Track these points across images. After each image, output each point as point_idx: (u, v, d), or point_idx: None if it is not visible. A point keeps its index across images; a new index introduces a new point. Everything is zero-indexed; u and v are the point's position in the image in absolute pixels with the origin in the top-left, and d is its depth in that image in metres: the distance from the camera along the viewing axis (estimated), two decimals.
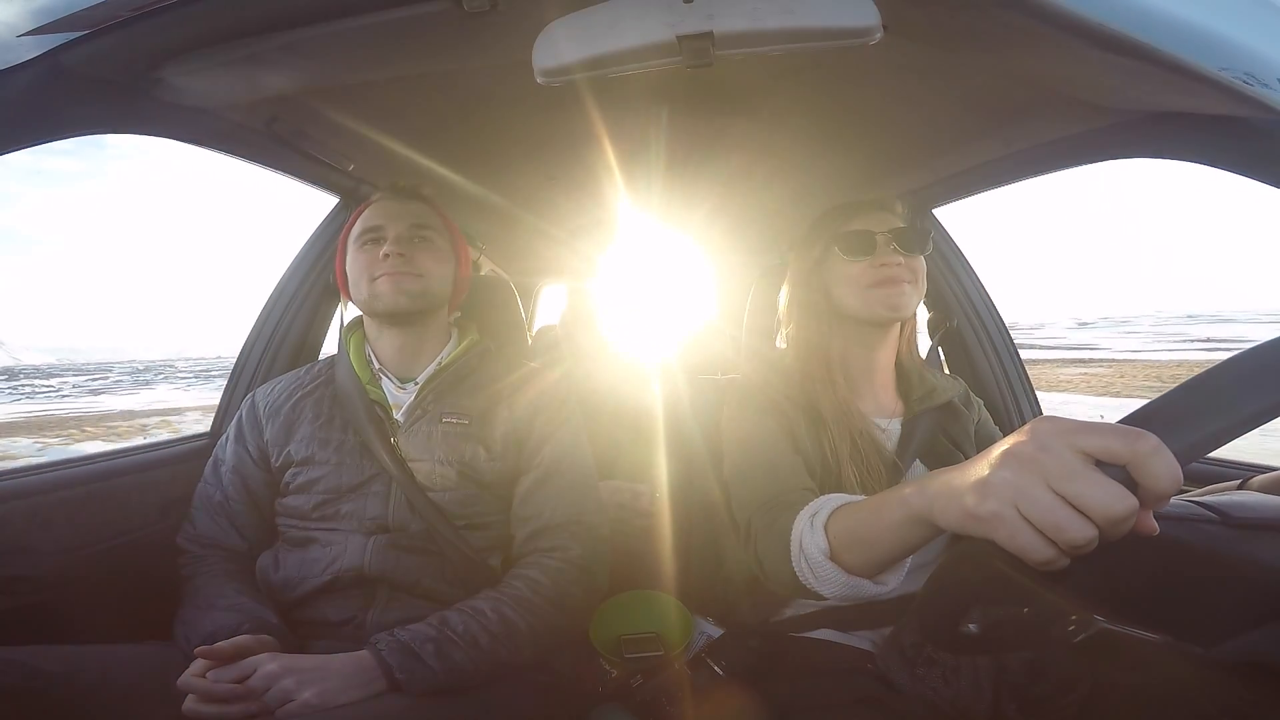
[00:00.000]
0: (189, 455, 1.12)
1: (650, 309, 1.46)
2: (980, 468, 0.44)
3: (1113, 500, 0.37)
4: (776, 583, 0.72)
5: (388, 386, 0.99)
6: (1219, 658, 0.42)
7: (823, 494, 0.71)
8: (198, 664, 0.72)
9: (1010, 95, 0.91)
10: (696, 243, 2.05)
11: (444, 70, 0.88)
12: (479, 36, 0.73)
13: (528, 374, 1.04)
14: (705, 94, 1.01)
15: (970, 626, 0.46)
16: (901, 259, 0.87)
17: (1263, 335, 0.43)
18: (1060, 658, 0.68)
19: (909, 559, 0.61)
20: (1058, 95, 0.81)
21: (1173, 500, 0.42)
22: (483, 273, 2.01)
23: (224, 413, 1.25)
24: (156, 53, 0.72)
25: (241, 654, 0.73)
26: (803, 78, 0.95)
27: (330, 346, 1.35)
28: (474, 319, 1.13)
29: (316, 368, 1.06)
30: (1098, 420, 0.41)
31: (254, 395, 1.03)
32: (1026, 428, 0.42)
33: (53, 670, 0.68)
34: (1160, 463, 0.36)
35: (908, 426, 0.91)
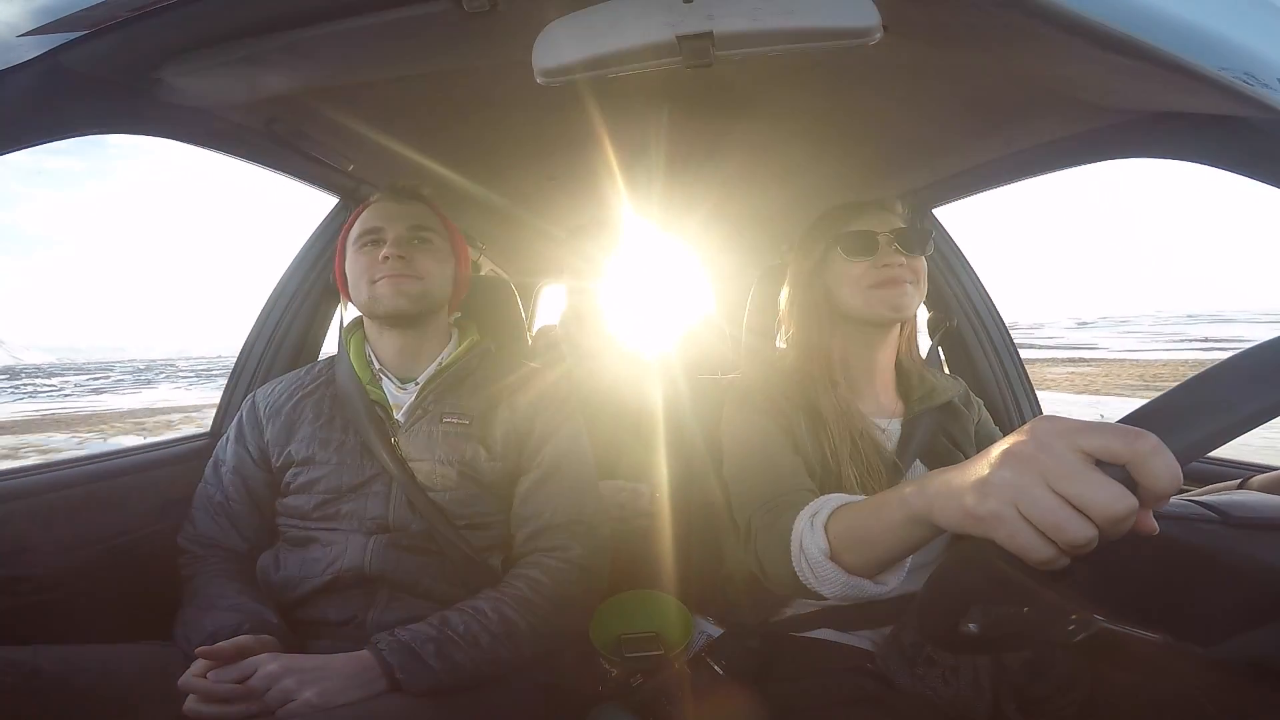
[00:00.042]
0: (189, 455, 1.12)
1: (651, 308, 1.46)
2: (980, 467, 0.44)
3: (1112, 500, 0.37)
4: (777, 583, 0.72)
5: (388, 387, 0.99)
6: (1219, 658, 0.42)
7: (823, 494, 0.71)
8: (198, 664, 0.72)
9: (1010, 95, 0.91)
10: (697, 243, 2.05)
11: (444, 70, 0.88)
12: (479, 36, 0.73)
13: (528, 374, 1.04)
14: (705, 94, 1.01)
15: (970, 626, 0.46)
16: (903, 259, 0.87)
17: (1262, 335, 0.43)
18: (1060, 658, 0.68)
19: (909, 559, 0.61)
20: (1058, 95, 0.81)
21: (1173, 500, 0.42)
22: (483, 273, 2.01)
23: (224, 413, 1.25)
24: (156, 53, 0.72)
25: (242, 654, 0.73)
26: (803, 78, 0.95)
27: (330, 347, 1.35)
28: (474, 319, 1.13)
29: (317, 368, 1.06)
30: (1098, 419, 0.41)
31: (254, 396, 1.03)
32: (1026, 427, 0.42)
33: (52, 670, 0.68)
34: (1160, 462, 0.36)
35: (908, 426, 0.91)
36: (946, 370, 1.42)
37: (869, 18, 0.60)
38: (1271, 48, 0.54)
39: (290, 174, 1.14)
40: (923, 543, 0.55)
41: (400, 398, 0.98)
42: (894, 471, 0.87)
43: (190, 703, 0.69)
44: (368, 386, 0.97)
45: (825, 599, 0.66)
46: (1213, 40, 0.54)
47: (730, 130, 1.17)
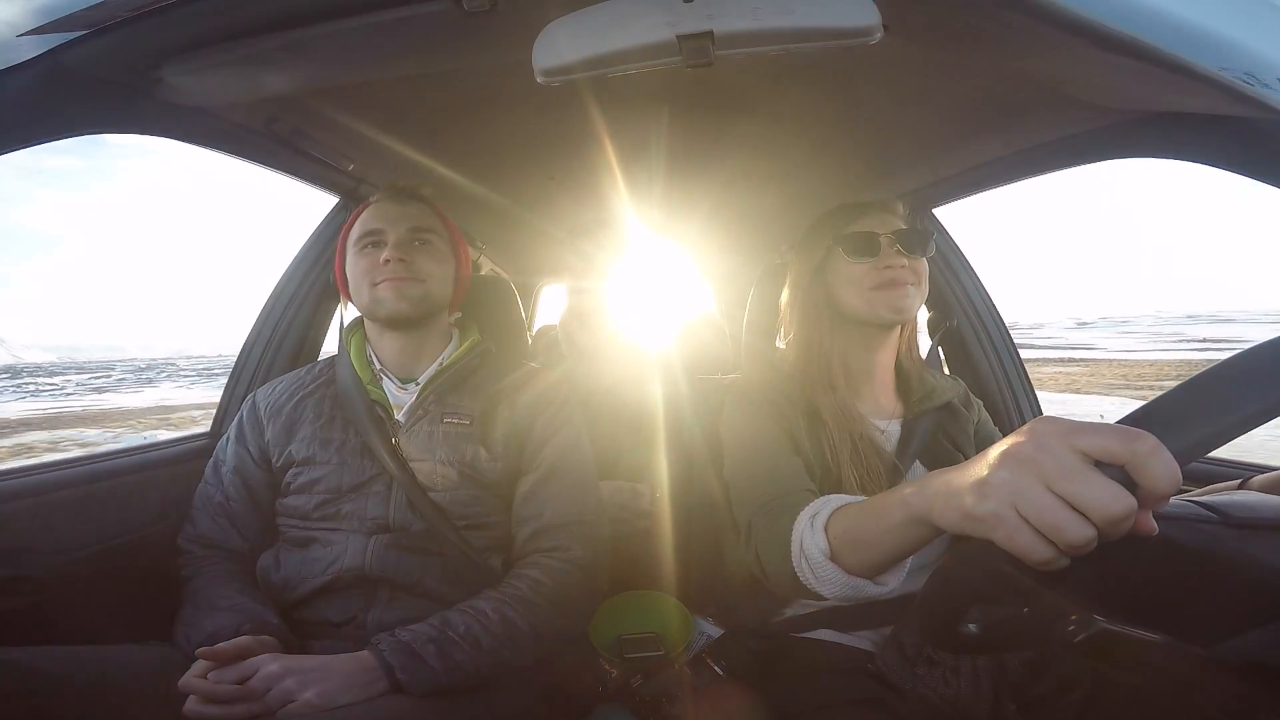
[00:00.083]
0: (189, 455, 1.12)
1: (651, 308, 1.46)
2: (979, 468, 0.44)
3: (1111, 500, 0.37)
4: (777, 583, 0.72)
5: (389, 387, 0.99)
6: (1219, 658, 0.42)
7: (823, 495, 0.71)
8: (199, 665, 0.72)
9: (1010, 95, 0.91)
10: (697, 242, 2.05)
11: (444, 70, 0.88)
12: (479, 36, 0.73)
13: (528, 374, 1.04)
14: (706, 94, 1.01)
15: (970, 626, 0.46)
16: (905, 261, 0.86)
17: (1262, 335, 0.43)
18: (1060, 658, 0.68)
19: (909, 559, 0.61)
20: (1058, 95, 0.80)
21: (1172, 500, 0.42)
22: (483, 273, 2.01)
23: (224, 413, 1.25)
24: (156, 53, 0.72)
25: (242, 655, 0.73)
26: (803, 78, 0.95)
27: (330, 347, 1.35)
28: (474, 319, 1.13)
29: (317, 368, 1.05)
30: (1097, 420, 0.41)
31: (254, 396, 1.03)
32: (1025, 428, 0.42)
33: (50, 671, 0.68)
34: (1159, 463, 0.36)
35: (907, 428, 0.91)
36: (946, 371, 1.42)
37: (869, 18, 0.60)
38: (1271, 48, 0.54)
39: (290, 173, 1.14)
40: (922, 543, 0.55)
41: (401, 398, 0.98)
42: (894, 473, 0.86)
43: (191, 703, 0.69)
44: (368, 386, 0.97)
45: (825, 599, 0.66)
46: (1213, 40, 0.54)
47: (730, 130, 1.17)
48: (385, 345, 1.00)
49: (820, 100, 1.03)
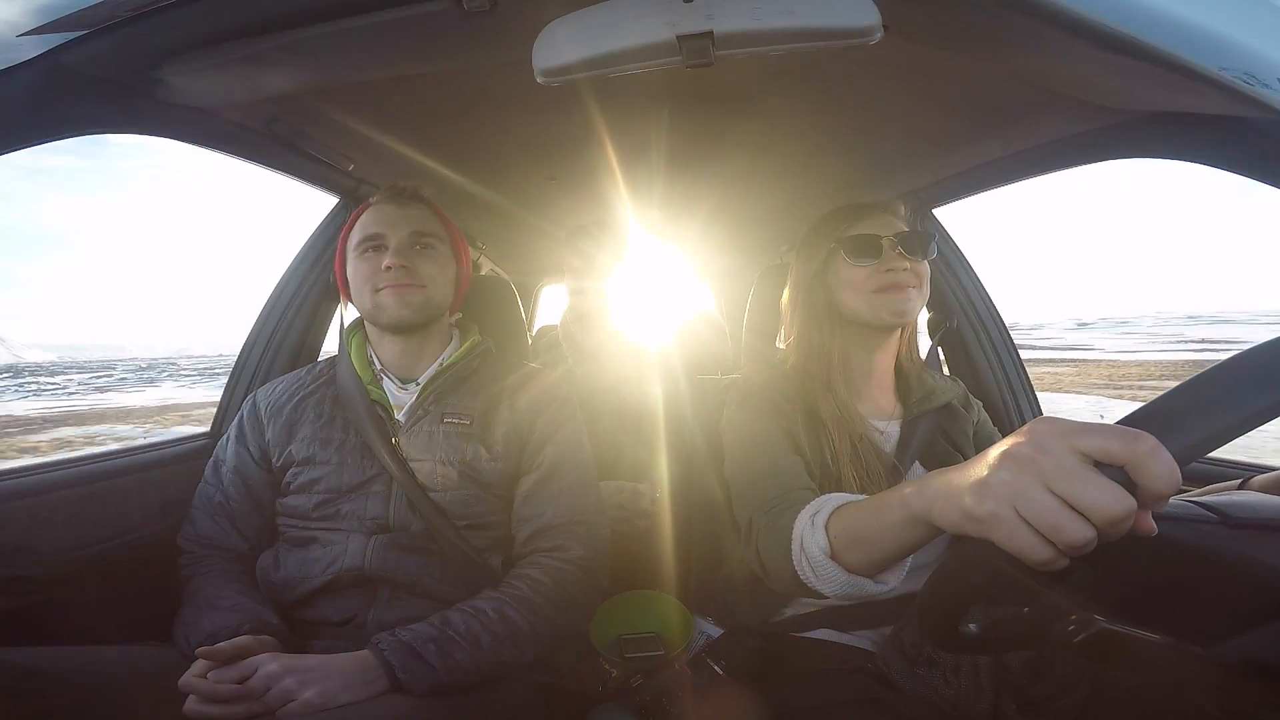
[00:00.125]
0: (189, 455, 1.12)
1: (651, 308, 1.46)
2: (979, 468, 0.44)
3: (1110, 501, 0.37)
4: (777, 581, 0.72)
5: (389, 387, 0.99)
6: (1219, 658, 0.42)
7: (823, 494, 0.71)
8: (198, 664, 0.72)
9: (1010, 95, 0.91)
10: (697, 242, 2.05)
11: (444, 70, 0.88)
12: (479, 36, 0.73)
13: (529, 374, 1.04)
14: (706, 94, 1.01)
15: (970, 626, 0.46)
16: (907, 264, 0.86)
17: (1262, 336, 0.43)
18: (1061, 658, 0.68)
19: (909, 558, 0.61)
20: (1058, 95, 0.80)
21: (1173, 500, 0.42)
22: (483, 273, 2.01)
23: (224, 413, 1.25)
24: (156, 53, 0.72)
25: (242, 654, 0.73)
26: (803, 78, 0.95)
27: (330, 347, 1.35)
28: (474, 319, 1.13)
29: (318, 368, 1.06)
30: (1097, 421, 0.41)
31: (255, 396, 1.03)
32: (1025, 429, 0.42)
33: (48, 671, 0.68)
34: (1158, 463, 0.36)
35: (906, 428, 0.91)
36: (946, 371, 1.42)
37: (869, 18, 0.60)
38: (1271, 48, 0.54)
39: (290, 174, 1.14)
40: (922, 543, 0.55)
41: (401, 398, 0.98)
42: (893, 473, 0.87)
43: (190, 703, 0.69)
44: (369, 387, 0.97)
45: (825, 598, 0.67)
46: (1213, 40, 0.54)
47: (730, 130, 1.17)
48: (386, 347, 1.00)
49: (820, 100, 1.03)
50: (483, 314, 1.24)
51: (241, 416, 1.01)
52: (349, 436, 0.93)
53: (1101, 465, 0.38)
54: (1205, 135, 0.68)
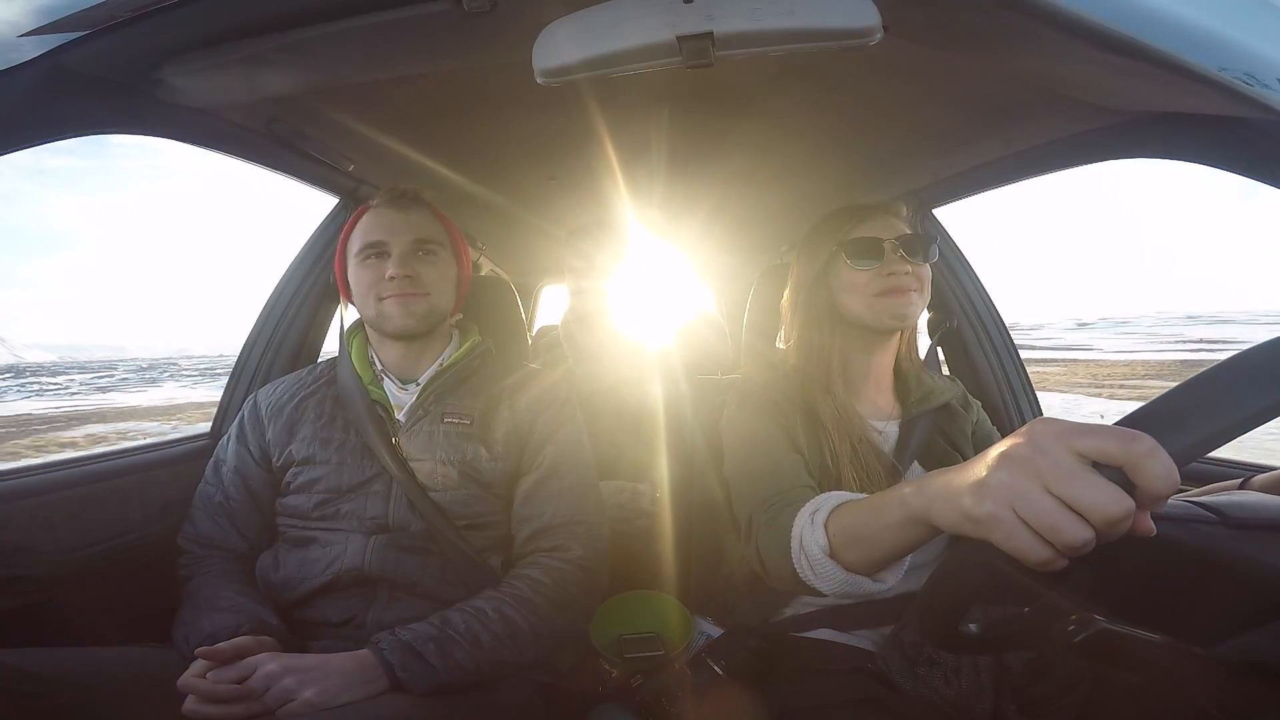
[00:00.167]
0: (189, 455, 1.12)
1: (651, 308, 1.46)
2: (978, 469, 0.44)
3: (1109, 502, 0.37)
4: (776, 579, 0.73)
5: (390, 387, 0.99)
6: (1219, 658, 0.42)
7: (823, 492, 0.72)
8: (198, 664, 0.72)
9: (1010, 95, 0.91)
10: (697, 242, 2.05)
11: (444, 70, 0.88)
12: (479, 36, 0.73)
13: (529, 374, 1.04)
14: (706, 94, 1.01)
15: (971, 626, 0.46)
16: (909, 268, 0.86)
17: (1260, 336, 0.43)
18: (1061, 658, 0.68)
19: (907, 558, 0.61)
20: (1058, 95, 0.80)
21: (1172, 500, 0.42)
22: (483, 273, 2.01)
23: (224, 413, 1.25)
24: (156, 53, 0.72)
25: (241, 655, 0.73)
26: (803, 78, 0.95)
27: (330, 347, 1.35)
28: (474, 319, 1.13)
29: (319, 369, 1.06)
30: (1096, 422, 0.41)
31: (256, 396, 1.03)
32: (1024, 429, 0.42)
33: (42, 673, 0.67)
34: (1156, 464, 0.36)
35: (905, 428, 0.92)
36: (946, 371, 1.42)
37: (869, 18, 0.60)
38: (1271, 48, 0.54)
39: (290, 174, 1.14)
40: (921, 542, 0.55)
41: (401, 398, 0.98)
42: (893, 473, 0.87)
43: (190, 703, 0.69)
44: (369, 387, 0.98)
45: (824, 595, 0.67)
46: (1213, 40, 0.54)
47: (730, 130, 1.17)
48: (388, 349, 1.01)
49: (820, 101, 1.03)
50: (483, 314, 1.24)
51: (242, 416, 1.01)
52: (349, 436, 0.94)
53: (1100, 466, 0.38)
54: (1205, 135, 0.68)
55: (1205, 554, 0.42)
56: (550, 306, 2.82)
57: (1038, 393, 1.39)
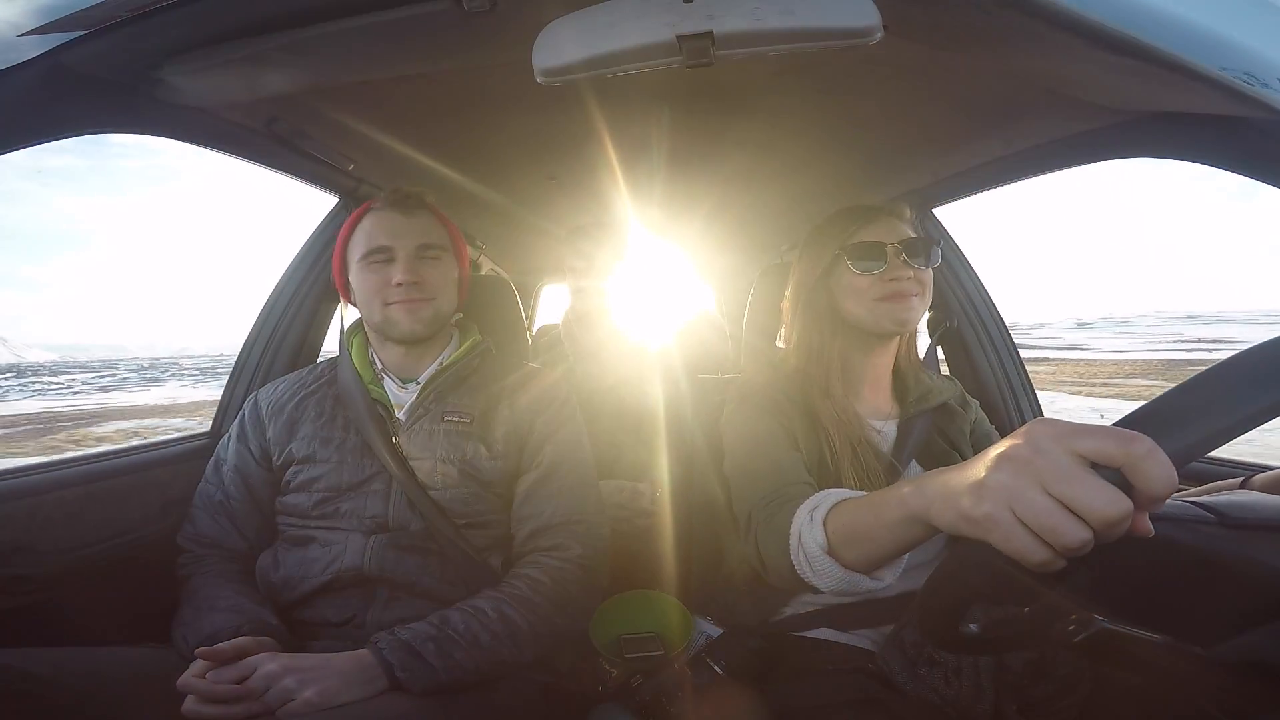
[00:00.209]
0: (189, 455, 1.12)
1: (652, 307, 1.46)
2: (976, 470, 0.44)
3: (1107, 503, 0.37)
4: (775, 575, 0.73)
5: (390, 386, 0.99)
6: (1219, 658, 0.42)
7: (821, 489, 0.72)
8: (197, 665, 0.72)
9: (1010, 95, 0.91)
10: (697, 241, 2.05)
11: (444, 70, 0.88)
12: (479, 36, 0.73)
13: (529, 374, 1.04)
14: (706, 93, 1.01)
15: (971, 626, 0.46)
16: (911, 273, 0.86)
17: (1260, 336, 0.43)
18: (1062, 658, 0.68)
19: (905, 556, 0.62)
20: (1058, 95, 0.80)
21: (1172, 500, 0.42)
22: (483, 273, 2.01)
23: (224, 412, 1.25)
24: (156, 53, 0.72)
25: (241, 655, 0.73)
26: (803, 78, 0.95)
27: (330, 347, 1.35)
28: (474, 319, 1.13)
29: (319, 368, 1.06)
30: (1095, 423, 0.41)
31: (257, 395, 1.03)
32: (1023, 430, 0.42)
33: (42, 673, 0.67)
34: (1154, 465, 0.36)
35: (903, 428, 0.92)
36: (946, 370, 1.42)
37: (869, 18, 0.60)
38: (1271, 48, 0.54)
39: (290, 174, 1.14)
40: (919, 541, 0.55)
41: (401, 397, 0.98)
42: (892, 472, 0.87)
43: (189, 703, 0.69)
44: (369, 386, 0.98)
45: (821, 592, 0.67)
46: (1213, 40, 0.54)
47: (730, 129, 1.17)
48: (389, 350, 1.01)
49: (820, 100, 1.03)
50: (483, 314, 1.24)
51: (243, 416, 1.01)
52: (349, 435, 0.94)
53: (1098, 467, 0.38)
54: (1205, 135, 0.68)
55: (1204, 554, 0.42)
56: (550, 306, 2.82)
57: None
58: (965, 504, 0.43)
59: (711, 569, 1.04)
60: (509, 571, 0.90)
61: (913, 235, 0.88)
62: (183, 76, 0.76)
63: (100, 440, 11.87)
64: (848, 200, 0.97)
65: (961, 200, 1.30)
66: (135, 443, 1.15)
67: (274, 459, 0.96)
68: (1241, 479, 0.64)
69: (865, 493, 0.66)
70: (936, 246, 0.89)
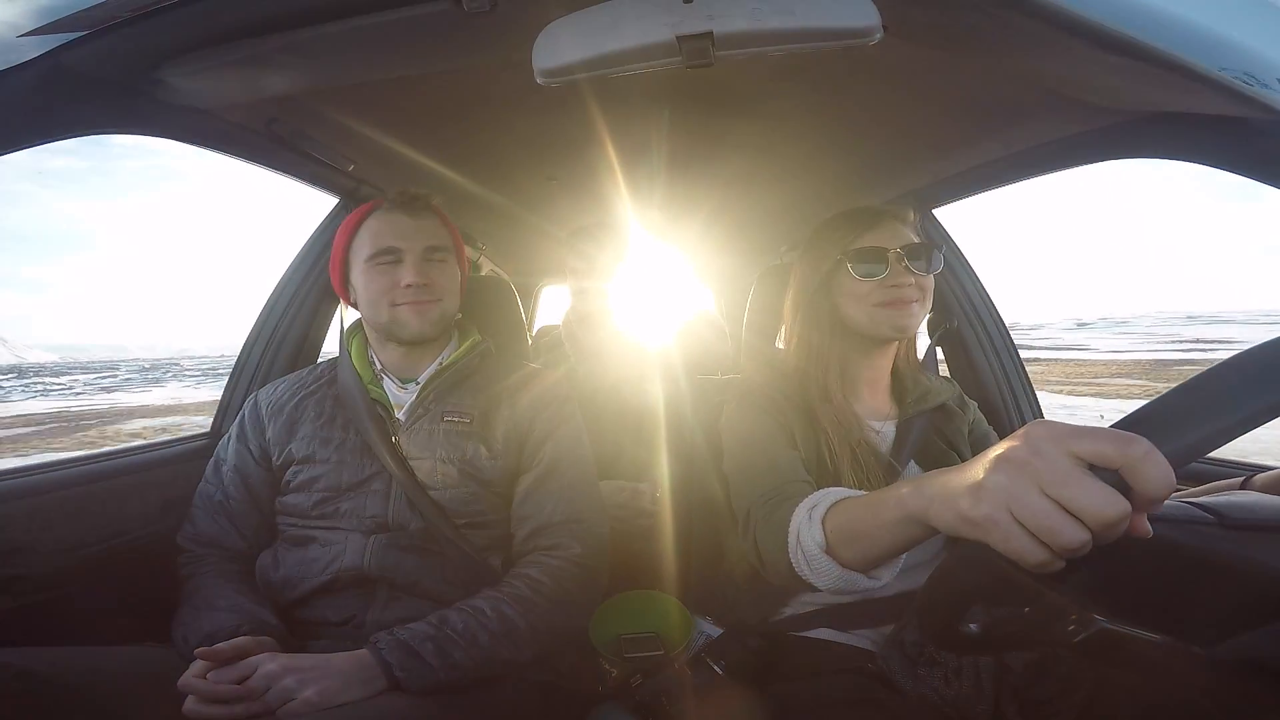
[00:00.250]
0: (189, 455, 1.12)
1: (652, 307, 1.46)
2: (975, 471, 0.44)
3: (1105, 504, 0.37)
4: (773, 572, 0.74)
5: (389, 386, 0.99)
6: (1219, 658, 0.42)
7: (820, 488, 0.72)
8: (197, 665, 0.72)
9: (1011, 96, 0.91)
10: (697, 242, 2.05)
11: (444, 70, 0.88)
12: (479, 36, 0.73)
13: (529, 374, 1.04)
14: (706, 95, 1.01)
15: (971, 626, 0.46)
16: (913, 279, 0.86)
17: (1259, 336, 0.43)
18: (1062, 659, 0.68)
19: (902, 555, 0.62)
20: (1058, 95, 0.80)
21: (1171, 501, 0.42)
22: (483, 273, 2.01)
23: (224, 412, 1.25)
24: (156, 53, 0.72)
25: (241, 655, 0.73)
26: (803, 78, 0.95)
27: (330, 347, 1.35)
28: (474, 319, 1.13)
29: (319, 369, 1.06)
30: (1095, 424, 0.41)
31: (257, 395, 1.03)
32: (1021, 432, 0.42)
33: (42, 673, 0.67)
34: (1152, 467, 0.36)
35: (902, 428, 0.92)
36: (946, 371, 1.42)
37: (869, 18, 0.60)
38: (1271, 48, 0.54)
39: (290, 174, 1.14)
40: (918, 541, 0.56)
41: (401, 397, 0.98)
42: (890, 473, 0.87)
43: (189, 703, 0.69)
44: (369, 386, 0.98)
45: (819, 590, 0.67)
46: (1213, 40, 0.54)
47: (730, 130, 1.17)
48: (389, 351, 1.01)
49: (820, 101, 1.03)
50: (483, 314, 1.24)
51: (243, 416, 1.01)
52: (349, 435, 0.94)
53: (1096, 469, 0.38)
54: (1205, 135, 0.68)
55: (1203, 555, 0.42)
56: (551, 306, 2.82)
57: None
58: (964, 505, 0.43)
59: (712, 569, 1.04)
60: (509, 571, 0.90)
61: (915, 240, 0.88)
62: (183, 77, 0.76)
63: (133, 436, 11.96)
64: (847, 202, 0.96)
65: (962, 200, 1.30)
66: (137, 443, 1.15)
67: (274, 459, 0.96)
68: (1241, 479, 0.64)
69: (864, 492, 0.66)
70: (939, 251, 0.88)
